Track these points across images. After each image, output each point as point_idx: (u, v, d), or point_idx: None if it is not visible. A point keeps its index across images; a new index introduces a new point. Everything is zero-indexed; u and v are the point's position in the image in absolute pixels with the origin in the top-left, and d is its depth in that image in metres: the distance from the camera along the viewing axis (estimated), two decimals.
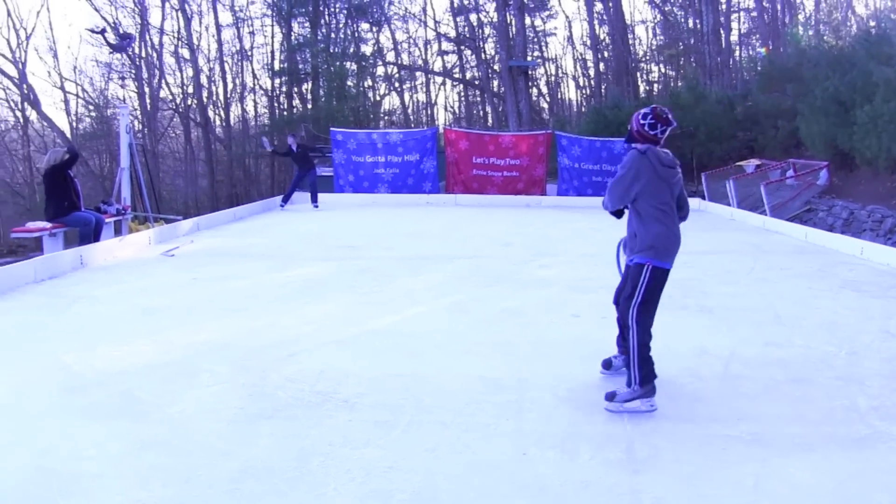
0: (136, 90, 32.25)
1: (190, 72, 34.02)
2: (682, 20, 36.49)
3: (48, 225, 9.32)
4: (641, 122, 3.97)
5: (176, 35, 34.02)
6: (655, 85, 37.72)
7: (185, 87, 34.61)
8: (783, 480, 3.14)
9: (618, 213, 4.19)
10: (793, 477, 3.17)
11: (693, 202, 16.97)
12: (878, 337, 5.51)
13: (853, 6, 29.19)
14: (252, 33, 35.10)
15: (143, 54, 32.85)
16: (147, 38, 32.77)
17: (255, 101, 36.37)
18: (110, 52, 28.20)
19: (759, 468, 3.24)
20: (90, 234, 9.24)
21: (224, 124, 35.26)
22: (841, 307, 6.55)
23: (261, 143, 15.83)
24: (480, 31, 36.91)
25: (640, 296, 3.94)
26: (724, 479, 3.15)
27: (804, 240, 11.15)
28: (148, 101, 32.86)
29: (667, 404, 3.99)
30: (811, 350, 5.11)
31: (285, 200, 15.66)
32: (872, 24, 18.77)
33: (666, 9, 36.91)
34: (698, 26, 33.09)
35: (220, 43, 34.33)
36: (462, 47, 37.59)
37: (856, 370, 4.67)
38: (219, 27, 34.29)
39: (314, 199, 15.59)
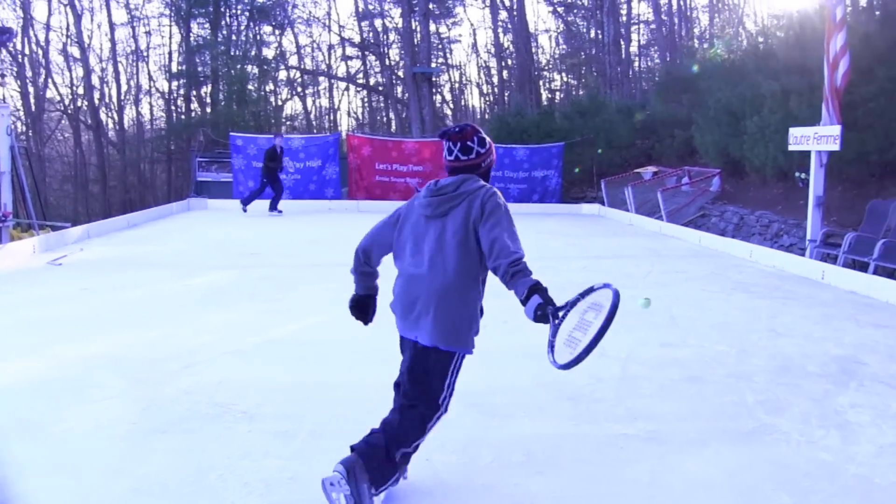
0: (18, 89, 30.48)
1: (80, 72, 32.56)
2: (585, 30, 37.51)
3: None
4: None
5: (65, 32, 32.50)
6: (557, 93, 38.67)
7: (74, 88, 33.11)
8: (678, 475, 3.25)
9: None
10: (687, 472, 3.28)
11: (593, 208, 17.46)
12: (765, 336, 5.80)
13: (743, 22, 30.78)
14: (148, 33, 33.93)
15: (27, 51, 31.17)
16: (31, 33, 31.13)
17: (150, 103, 35.23)
18: None
19: (655, 465, 3.34)
20: None
21: (117, 127, 33.87)
22: (732, 308, 6.87)
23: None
24: (385, 36, 36.84)
25: None
26: (622, 476, 3.23)
27: (698, 244, 11.64)
28: (32, 101, 31.20)
29: (567, 406, 4.07)
30: (704, 349, 5.33)
31: (246, 203, 15.07)
32: (760, 39, 19.77)
33: (569, 19, 37.87)
34: (600, 37, 34.07)
35: (113, 42, 33.02)
36: (366, 53, 37.40)
37: (745, 367, 4.90)
38: (112, 25, 32.97)
39: (275, 206, 15.15)
